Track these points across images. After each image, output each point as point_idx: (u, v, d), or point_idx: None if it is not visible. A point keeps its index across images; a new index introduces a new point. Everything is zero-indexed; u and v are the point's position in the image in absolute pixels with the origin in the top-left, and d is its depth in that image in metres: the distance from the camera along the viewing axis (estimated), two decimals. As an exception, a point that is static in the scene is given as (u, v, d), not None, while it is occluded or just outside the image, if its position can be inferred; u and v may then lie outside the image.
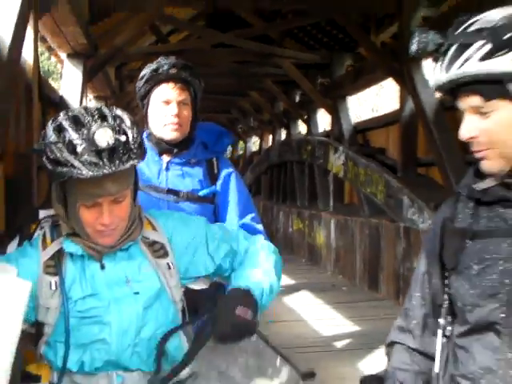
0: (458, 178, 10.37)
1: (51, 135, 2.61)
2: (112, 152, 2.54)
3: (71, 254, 2.76)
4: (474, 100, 2.13)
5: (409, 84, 12.42)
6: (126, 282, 2.76)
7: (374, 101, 37.84)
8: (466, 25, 2.15)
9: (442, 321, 2.35)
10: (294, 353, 8.73)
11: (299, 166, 19.77)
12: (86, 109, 2.65)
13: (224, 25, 17.86)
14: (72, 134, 2.56)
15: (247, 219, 4.18)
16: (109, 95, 16.38)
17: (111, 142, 2.53)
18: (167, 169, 4.14)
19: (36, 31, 7.74)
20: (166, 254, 2.86)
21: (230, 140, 4.45)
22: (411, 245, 11.41)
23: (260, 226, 4.22)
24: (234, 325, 2.58)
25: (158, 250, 2.86)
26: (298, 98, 23.10)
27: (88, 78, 12.60)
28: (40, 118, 7.50)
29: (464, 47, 2.11)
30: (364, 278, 13.88)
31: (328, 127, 20.13)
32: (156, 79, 4.05)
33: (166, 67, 4.03)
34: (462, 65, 2.10)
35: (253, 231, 3.98)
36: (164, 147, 4.13)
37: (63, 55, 12.47)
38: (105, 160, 2.52)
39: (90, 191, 2.60)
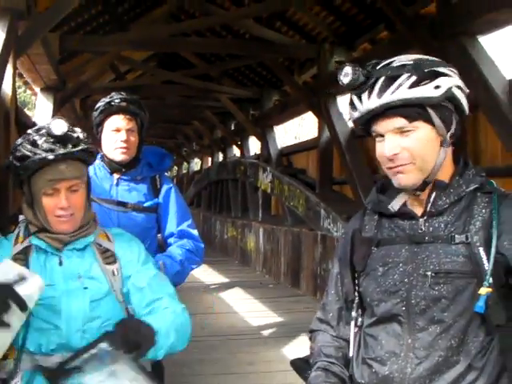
0: (366, 194, 10.41)
1: (19, 141, 2.78)
2: (65, 140, 2.69)
3: (37, 249, 2.78)
4: (399, 121, 2.13)
5: (325, 116, 12.57)
6: (78, 278, 2.76)
7: (297, 130, 38.06)
8: (386, 63, 2.17)
9: (354, 313, 2.38)
10: (227, 339, 8.79)
11: (234, 183, 19.78)
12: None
13: (172, 65, 17.90)
14: (34, 134, 2.73)
15: (184, 226, 4.30)
16: (75, 122, 16.29)
17: (64, 129, 2.68)
18: (117, 184, 4.23)
19: (14, 68, 7.79)
20: (114, 262, 2.85)
21: (171, 161, 4.55)
22: (327, 249, 11.45)
23: (195, 231, 4.35)
24: (132, 328, 2.49)
25: (108, 257, 2.86)
26: (233, 127, 23.16)
27: (58, 108, 12.63)
28: (16, 139, 7.49)
29: (392, 78, 2.12)
30: (287, 277, 13.88)
31: (258, 151, 20.20)
32: (109, 111, 4.16)
33: (117, 101, 4.15)
34: (394, 92, 2.10)
35: (188, 235, 4.29)
36: (114, 167, 4.22)
37: (37, 89, 12.63)
38: (59, 145, 2.67)
39: (49, 177, 2.67)
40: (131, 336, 2.43)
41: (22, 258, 2.74)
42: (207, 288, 13.36)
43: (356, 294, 2.38)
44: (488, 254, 2.09)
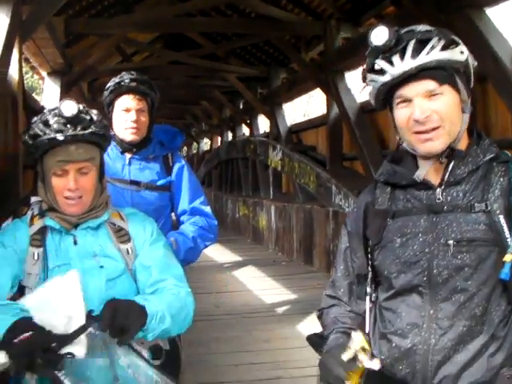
0: (376, 169, 10.36)
1: (34, 119, 2.80)
2: (76, 122, 2.70)
3: (51, 230, 2.79)
4: (430, 84, 2.12)
5: (334, 92, 12.50)
6: (93, 256, 2.77)
7: (306, 107, 37.91)
8: (409, 29, 2.16)
9: (368, 289, 2.37)
10: (242, 318, 8.82)
11: (244, 161, 19.82)
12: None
13: (179, 45, 17.84)
14: (47, 114, 2.75)
15: (196, 203, 4.32)
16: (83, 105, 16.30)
17: (74, 111, 2.69)
18: (130, 164, 4.24)
19: (20, 53, 7.78)
20: (128, 241, 2.86)
21: (183, 138, 4.56)
22: (339, 226, 11.39)
23: (208, 208, 4.38)
24: (120, 311, 2.40)
25: (122, 235, 2.87)
26: (241, 106, 23.05)
27: (65, 92, 12.59)
28: (24, 124, 7.50)
29: (422, 42, 2.11)
30: (300, 254, 13.90)
31: (267, 129, 20.10)
32: (119, 91, 4.17)
33: (127, 81, 4.15)
34: (429, 53, 2.10)
35: (201, 212, 4.32)
36: (125, 146, 4.23)
37: (44, 73, 12.56)
38: (69, 126, 2.68)
39: (59, 158, 2.69)
40: (119, 319, 2.37)
41: (39, 238, 2.76)
42: (220, 267, 13.39)
43: (369, 268, 2.36)
44: (509, 221, 2.10)
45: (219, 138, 27.90)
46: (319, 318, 2.54)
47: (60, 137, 2.66)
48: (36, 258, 2.73)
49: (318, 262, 12.71)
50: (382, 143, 12.02)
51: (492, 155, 2.22)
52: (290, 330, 8.09)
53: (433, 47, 2.10)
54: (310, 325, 7.86)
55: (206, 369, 6.61)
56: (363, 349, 2.15)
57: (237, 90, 19.27)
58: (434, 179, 2.25)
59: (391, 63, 2.13)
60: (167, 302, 2.68)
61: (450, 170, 2.21)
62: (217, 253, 14.44)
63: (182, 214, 4.32)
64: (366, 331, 2.36)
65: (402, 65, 2.11)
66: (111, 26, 12.96)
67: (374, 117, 12.21)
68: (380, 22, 11.80)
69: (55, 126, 2.68)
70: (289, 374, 6.48)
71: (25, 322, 2.37)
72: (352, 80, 12.26)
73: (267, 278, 12.09)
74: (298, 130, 18.22)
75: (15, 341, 2.28)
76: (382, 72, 2.17)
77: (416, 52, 2.10)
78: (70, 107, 2.70)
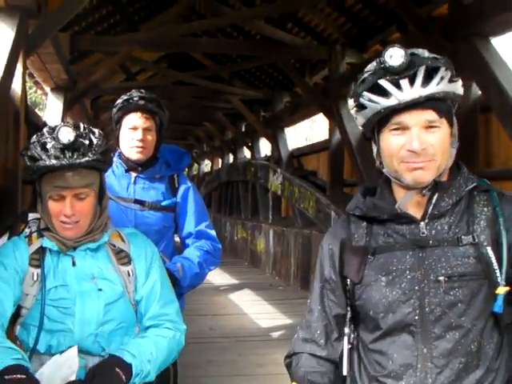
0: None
1: (33, 139, 2.74)
2: (74, 149, 2.64)
3: (50, 250, 2.75)
4: (431, 115, 2.07)
5: (337, 118, 12.51)
6: (91, 279, 2.73)
7: (308, 132, 38.03)
8: (417, 53, 2.10)
9: (346, 329, 2.29)
10: (237, 341, 8.77)
11: (244, 184, 19.82)
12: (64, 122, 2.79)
13: (183, 66, 17.90)
14: (46, 136, 2.70)
15: (202, 226, 4.27)
16: (85, 122, 16.30)
17: (71, 138, 2.64)
18: (135, 182, 4.18)
19: (24, 67, 7.77)
20: (128, 263, 2.82)
21: (189, 160, 4.52)
22: (337, 252, 11.37)
23: (213, 232, 4.32)
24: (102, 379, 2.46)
25: (122, 257, 2.83)
26: (243, 128, 23.07)
27: (68, 108, 12.60)
28: (26, 139, 7.50)
29: (433, 70, 2.05)
30: (297, 279, 13.86)
31: (269, 153, 20.17)
32: (127, 108, 4.12)
33: (135, 99, 4.10)
34: (439, 83, 2.05)
35: (206, 236, 4.26)
36: (131, 165, 4.18)
37: (47, 89, 12.58)
38: (66, 154, 2.63)
39: (55, 183, 2.66)
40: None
41: (37, 257, 2.73)
42: (217, 289, 13.36)
43: (348, 308, 2.29)
44: (497, 252, 2.06)
45: (220, 160, 27.98)
46: (288, 365, 2.44)
47: (56, 164, 2.62)
48: (35, 278, 2.71)
49: (315, 287, 12.55)
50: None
51: (474, 184, 2.18)
52: (283, 356, 7.92)
53: (442, 78, 2.05)
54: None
55: (198, 392, 6.56)
56: None
57: (240, 112, 19.31)
58: (416, 213, 2.18)
59: (399, 87, 2.05)
60: (157, 354, 2.67)
61: (434, 202, 2.15)
62: (214, 275, 14.36)
63: (188, 236, 4.28)
64: (344, 373, 2.29)
65: (411, 91, 2.04)
66: (116, 43, 12.98)
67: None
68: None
69: (52, 151, 2.64)
70: (282, 399, 6.38)
71: (22, 367, 2.39)
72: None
73: (263, 302, 12.06)
74: (299, 154, 18.25)
75: (6, 377, 2.32)
76: (385, 94, 2.08)
77: (426, 80, 2.04)
78: (67, 134, 2.65)
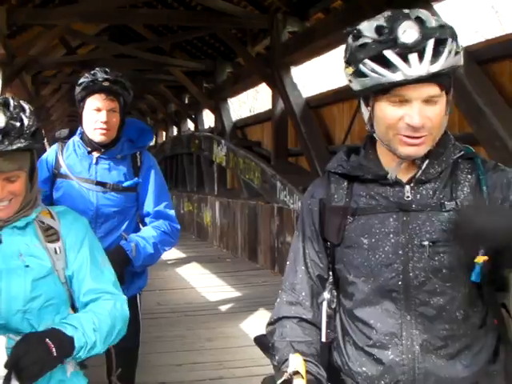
0: (322, 164, 10.43)
1: None
2: (4, 134, 2.50)
3: None
4: (434, 90, 1.97)
5: (279, 87, 12.50)
6: (18, 256, 2.63)
7: (252, 103, 38.13)
8: (428, 21, 1.96)
9: (326, 294, 2.21)
10: (185, 316, 8.71)
11: (188, 157, 19.74)
12: None
13: (124, 38, 17.73)
14: None
15: (161, 206, 4.28)
16: (26, 98, 16.08)
17: (2, 123, 2.50)
18: (97, 163, 4.17)
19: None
20: (57, 240, 2.73)
21: (152, 137, 4.55)
22: (284, 222, 11.41)
23: (172, 212, 4.35)
24: (27, 353, 2.33)
25: (51, 234, 2.73)
26: (186, 100, 23.10)
27: (6, 83, 12.35)
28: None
29: (440, 42, 1.94)
30: (245, 250, 13.87)
31: (212, 124, 20.09)
32: (91, 89, 4.06)
33: (100, 79, 4.05)
34: (447, 58, 1.94)
35: (165, 216, 4.28)
36: (93, 146, 4.15)
37: (-15, 64, 12.26)
38: None
39: None
40: (24, 361, 2.30)
41: None
42: (164, 264, 13.24)
43: (330, 272, 2.21)
44: None
45: (164, 133, 27.84)
46: (270, 333, 2.28)
47: None
48: None
49: (263, 258, 12.67)
50: (328, 139, 12.02)
51: (462, 152, 2.13)
52: (233, 329, 8.01)
53: (450, 51, 1.94)
54: (254, 323, 7.84)
55: (147, 369, 6.45)
56: (296, 372, 1.99)
57: (182, 84, 19.21)
58: (403, 176, 2.12)
59: (407, 62, 1.93)
60: (100, 325, 2.58)
61: (423, 168, 2.09)
62: (160, 249, 14.28)
63: (146, 215, 4.29)
64: (323, 340, 2.21)
65: (420, 67, 1.92)
66: (55, 16, 12.74)
67: (319, 112, 12.20)
68: (327, 16, 11.78)
69: None
70: (232, 373, 6.38)
71: None
72: (298, 75, 12.21)
73: (211, 275, 12.02)
74: (243, 125, 18.29)
75: None
76: (391, 67, 1.94)
77: (435, 56, 1.92)
78: None
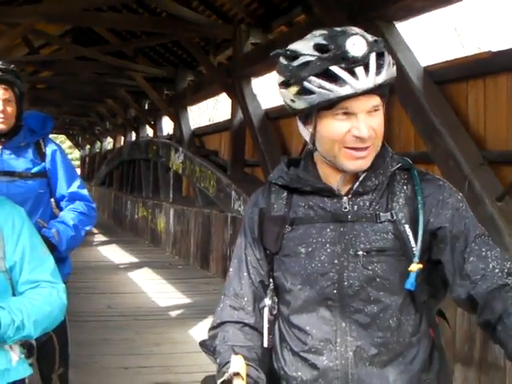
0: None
1: None
2: None
3: None
4: (376, 100, 2.01)
5: (239, 98, 12.52)
6: None
7: (211, 113, 38.19)
8: (365, 35, 1.98)
9: (267, 300, 2.21)
10: (134, 320, 8.68)
11: (146, 163, 19.67)
12: None
13: (87, 41, 17.65)
14: None
15: (74, 187, 4.33)
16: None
17: None
18: (1, 154, 4.17)
19: None
20: None
21: (52, 123, 4.48)
22: (237, 232, 11.34)
23: (85, 191, 4.42)
24: None
25: None
26: (146, 106, 23.04)
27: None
28: None
29: (380, 55, 1.99)
30: (197, 258, 13.85)
31: (171, 131, 20.05)
32: None
33: None
34: (387, 70, 1.99)
35: (79, 197, 4.34)
36: None
37: None
38: None
39: None
40: None
41: None
42: (116, 268, 13.21)
43: (271, 279, 2.22)
44: (414, 230, 2.05)
45: (122, 138, 27.71)
46: (212, 337, 2.28)
47: None
48: None
49: (215, 267, 12.67)
50: (285, 151, 12.03)
51: (399, 164, 2.15)
52: (181, 335, 8.00)
53: (389, 63, 1.99)
54: (203, 330, 7.78)
55: (93, 371, 6.44)
56: (237, 374, 1.99)
57: (143, 90, 19.18)
58: (342, 188, 2.14)
59: (354, 75, 1.95)
60: (31, 308, 2.55)
61: (360, 180, 2.11)
62: (113, 253, 14.26)
63: (61, 199, 4.32)
64: (265, 345, 2.21)
65: (367, 80, 1.95)
66: (19, 14, 12.59)
67: (277, 124, 12.22)
68: (290, 29, 11.84)
69: None
70: (177, 378, 6.40)
71: None
72: (258, 86, 12.25)
73: (163, 280, 11.99)
74: (201, 133, 18.26)
75: None
76: (338, 81, 1.95)
77: (378, 68, 1.96)
78: None
